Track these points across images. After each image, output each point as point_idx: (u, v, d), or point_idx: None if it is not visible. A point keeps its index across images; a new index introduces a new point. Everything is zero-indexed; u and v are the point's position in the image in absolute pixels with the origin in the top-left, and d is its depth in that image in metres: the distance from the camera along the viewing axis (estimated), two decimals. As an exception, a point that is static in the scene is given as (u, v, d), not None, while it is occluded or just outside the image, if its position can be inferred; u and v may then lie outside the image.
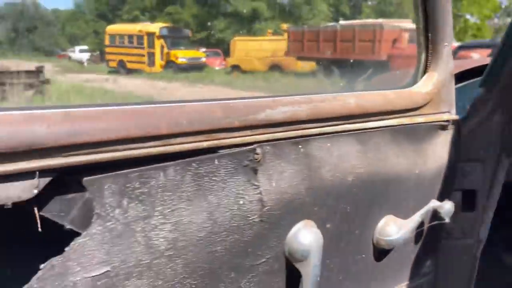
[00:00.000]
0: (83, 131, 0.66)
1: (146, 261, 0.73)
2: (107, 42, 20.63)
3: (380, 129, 1.09)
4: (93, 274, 0.67)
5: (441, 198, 1.26)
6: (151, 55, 19.98)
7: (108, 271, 0.68)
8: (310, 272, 0.92)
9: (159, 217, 0.74)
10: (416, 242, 1.31)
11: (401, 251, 1.27)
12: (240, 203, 0.85)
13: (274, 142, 0.89)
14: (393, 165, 1.15)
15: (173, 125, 0.75)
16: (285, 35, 19.93)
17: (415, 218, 1.18)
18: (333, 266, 1.09)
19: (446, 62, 1.23)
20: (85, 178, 0.65)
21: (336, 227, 1.05)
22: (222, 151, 0.82)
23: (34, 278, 0.63)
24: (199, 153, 0.79)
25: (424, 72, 1.24)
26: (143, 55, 20.10)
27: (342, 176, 1.03)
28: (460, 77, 1.61)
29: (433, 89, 1.22)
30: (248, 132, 0.85)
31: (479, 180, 1.46)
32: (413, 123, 1.17)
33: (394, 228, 1.16)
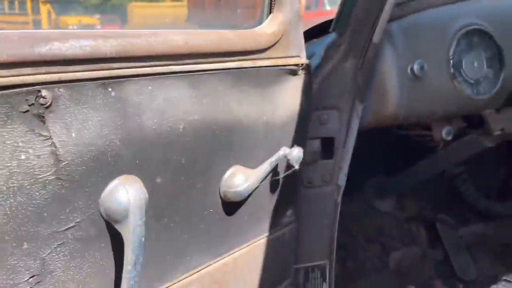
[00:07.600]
0: None
1: None
2: (-19, 8, 18.07)
3: (217, 72, 1.00)
4: None
5: (294, 146, 1.23)
6: (37, 23, 17.95)
7: None
8: (130, 234, 0.80)
9: None
10: (273, 192, 1.28)
11: (255, 202, 1.22)
12: (22, 158, 0.69)
13: (71, 83, 0.74)
14: (236, 112, 1.07)
15: None
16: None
17: (264, 167, 1.13)
18: (172, 224, 1.00)
19: (291, 3, 1.17)
20: None
21: (170, 181, 0.95)
22: None
23: None
24: None
25: (269, 12, 1.16)
26: (27, 23, 17.98)
27: (171, 124, 0.92)
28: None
29: (278, 30, 1.15)
30: (28, 70, 0.69)
31: (336, 127, 1.46)
32: (257, 66, 1.09)
33: (241, 179, 1.09)
